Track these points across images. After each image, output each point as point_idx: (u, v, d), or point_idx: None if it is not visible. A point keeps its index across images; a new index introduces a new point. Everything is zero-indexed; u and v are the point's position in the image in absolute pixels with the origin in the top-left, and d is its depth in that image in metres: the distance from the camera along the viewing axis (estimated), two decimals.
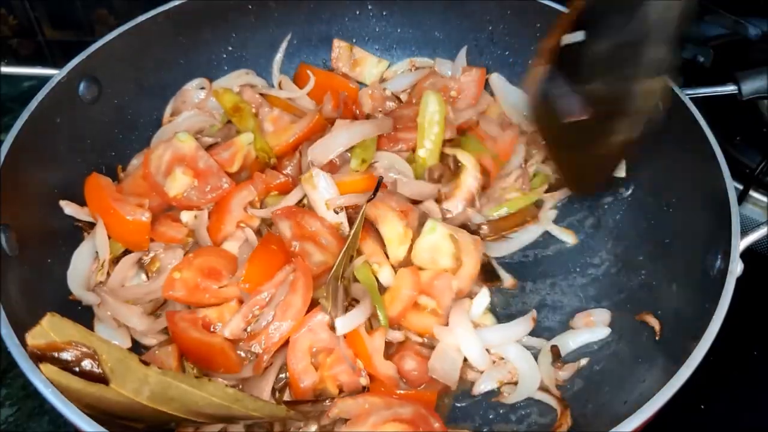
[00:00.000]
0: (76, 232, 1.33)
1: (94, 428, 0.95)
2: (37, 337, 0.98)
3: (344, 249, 1.23)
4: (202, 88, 1.53)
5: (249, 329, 1.22)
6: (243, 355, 1.23)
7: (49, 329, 0.99)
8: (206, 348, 1.20)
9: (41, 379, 0.98)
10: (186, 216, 1.35)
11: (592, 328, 1.30)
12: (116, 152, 1.43)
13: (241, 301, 1.25)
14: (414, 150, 1.45)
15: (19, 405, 1.33)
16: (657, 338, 1.22)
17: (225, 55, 1.56)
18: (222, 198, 1.37)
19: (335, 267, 1.22)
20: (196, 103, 1.52)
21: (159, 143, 1.39)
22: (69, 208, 1.31)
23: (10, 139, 1.20)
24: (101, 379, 0.99)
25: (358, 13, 1.60)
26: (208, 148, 1.41)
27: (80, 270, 1.29)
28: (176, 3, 1.43)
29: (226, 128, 1.50)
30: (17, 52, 1.93)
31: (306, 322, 1.20)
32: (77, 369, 0.99)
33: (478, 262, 1.32)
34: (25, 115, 1.23)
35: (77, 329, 1.01)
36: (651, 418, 0.99)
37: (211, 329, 1.24)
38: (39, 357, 0.98)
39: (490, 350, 1.27)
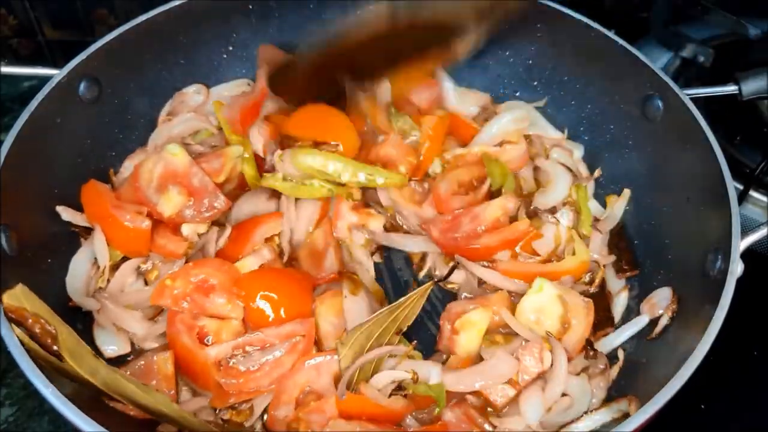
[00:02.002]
0: (76, 233, 1.33)
1: (94, 428, 0.95)
2: (12, 298, 1.04)
3: (392, 318, 1.19)
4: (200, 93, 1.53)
5: (232, 362, 1.18)
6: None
7: (23, 296, 1.05)
8: (190, 357, 1.18)
9: (41, 379, 0.98)
10: (187, 229, 1.31)
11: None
12: (116, 153, 1.42)
13: (244, 321, 1.23)
14: None
15: (19, 405, 1.33)
16: (657, 339, 1.23)
17: (225, 56, 1.55)
18: (247, 223, 1.35)
19: (370, 324, 1.17)
20: (193, 106, 1.51)
21: (149, 156, 1.35)
22: (66, 213, 1.30)
23: (10, 139, 1.20)
24: (58, 357, 1.04)
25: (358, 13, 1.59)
26: (197, 156, 1.38)
27: (79, 276, 1.29)
28: (176, 3, 1.43)
29: (219, 134, 1.48)
30: (17, 52, 1.92)
31: (316, 357, 1.16)
32: (39, 342, 1.04)
33: (589, 327, 1.23)
34: (25, 115, 1.23)
35: (44, 308, 1.07)
36: (651, 418, 0.99)
37: (205, 341, 1.20)
38: (13, 320, 1.03)
39: None
